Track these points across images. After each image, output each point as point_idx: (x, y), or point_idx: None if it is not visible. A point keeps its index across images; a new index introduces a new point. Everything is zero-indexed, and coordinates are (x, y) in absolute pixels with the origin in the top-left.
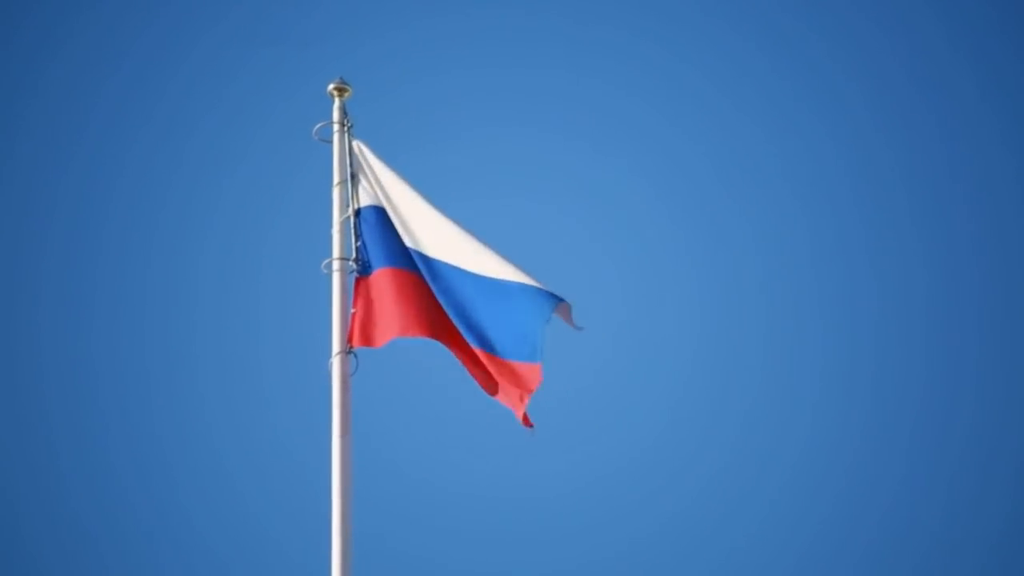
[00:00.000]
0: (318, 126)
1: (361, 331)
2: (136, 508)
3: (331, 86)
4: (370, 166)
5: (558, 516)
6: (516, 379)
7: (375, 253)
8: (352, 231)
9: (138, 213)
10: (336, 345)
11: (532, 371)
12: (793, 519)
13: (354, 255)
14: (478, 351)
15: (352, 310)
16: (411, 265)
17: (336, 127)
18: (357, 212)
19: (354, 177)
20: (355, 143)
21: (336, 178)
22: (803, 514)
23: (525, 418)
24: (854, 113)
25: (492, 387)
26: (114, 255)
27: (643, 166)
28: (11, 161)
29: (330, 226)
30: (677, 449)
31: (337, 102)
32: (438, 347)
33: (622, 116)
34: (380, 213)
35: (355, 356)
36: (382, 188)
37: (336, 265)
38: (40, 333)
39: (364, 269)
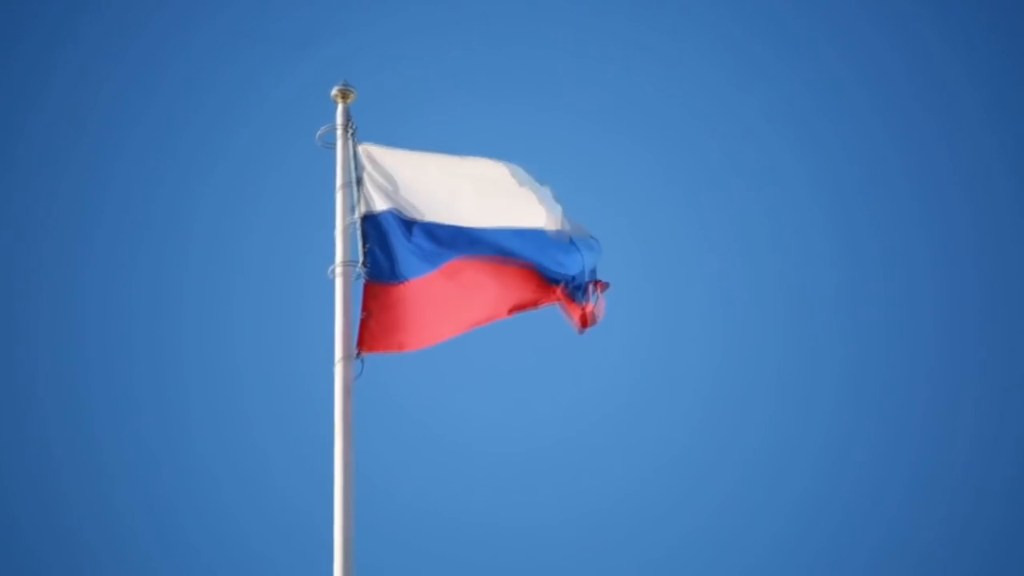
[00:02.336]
0: (321, 131)
1: (374, 336)
2: (134, 522)
3: (334, 90)
4: (379, 166)
5: (568, 538)
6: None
7: (401, 261)
8: (359, 235)
9: (131, 217)
10: (339, 351)
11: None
12: (807, 528)
13: (361, 259)
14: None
15: (362, 314)
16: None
17: (340, 131)
18: (364, 217)
19: (359, 181)
20: (360, 146)
21: (339, 182)
22: (816, 523)
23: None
24: (864, 117)
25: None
26: (109, 260)
27: (652, 157)
28: (4, 165)
29: (333, 230)
30: (689, 469)
31: (341, 106)
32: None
33: (635, 106)
34: (400, 220)
35: (361, 361)
36: (399, 185)
37: (340, 270)
38: (36, 337)
39: (376, 274)
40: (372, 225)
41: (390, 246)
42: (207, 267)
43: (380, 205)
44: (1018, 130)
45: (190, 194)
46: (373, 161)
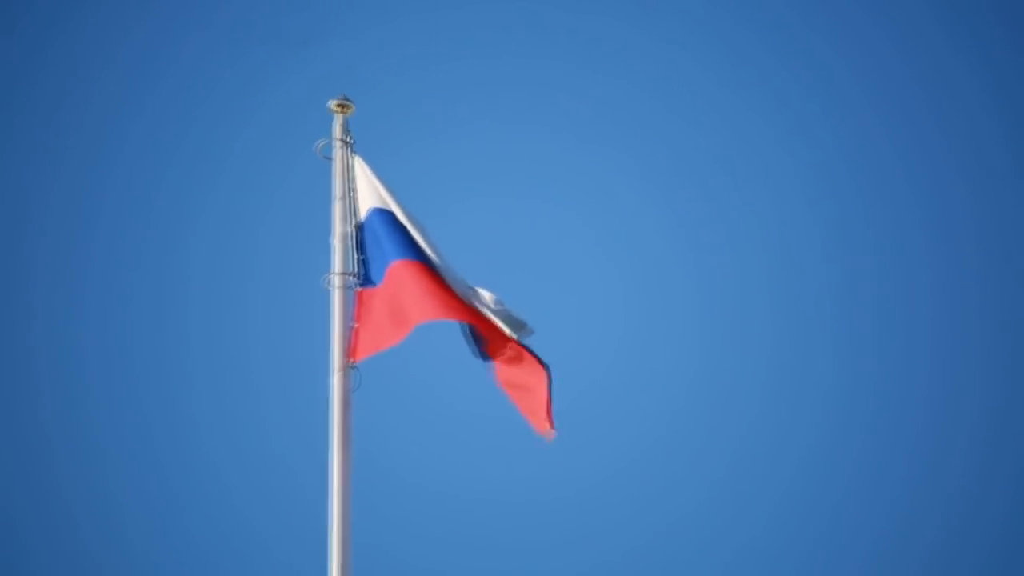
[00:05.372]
0: (320, 144)
1: (364, 343)
2: (137, 526)
3: (333, 103)
4: (369, 179)
5: (561, 520)
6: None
7: (386, 251)
8: (353, 245)
9: (129, 221)
10: (336, 361)
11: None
12: (798, 519)
13: (355, 269)
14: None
15: (354, 324)
16: (424, 258)
17: (338, 143)
18: (359, 226)
19: (354, 192)
20: (355, 158)
21: (337, 192)
22: (808, 515)
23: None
24: (859, 112)
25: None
26: (107, 265)
27: (646, 163)
28: (1, 164)
29: (330, 240)
30: (682, 451)
31: (339, 119)
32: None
33: (625, 112)
34: (386, 215)
35: (358, 371)
36: (382, 195)
37: (337, 280)
38: (37, 347)
39: (365, 281)
40: (363, 233)
41: (375, 249)
42: (205, 273)
43: (366, 209)
44: (1018, 126)
45: (186, 200)
46: (364, 172)
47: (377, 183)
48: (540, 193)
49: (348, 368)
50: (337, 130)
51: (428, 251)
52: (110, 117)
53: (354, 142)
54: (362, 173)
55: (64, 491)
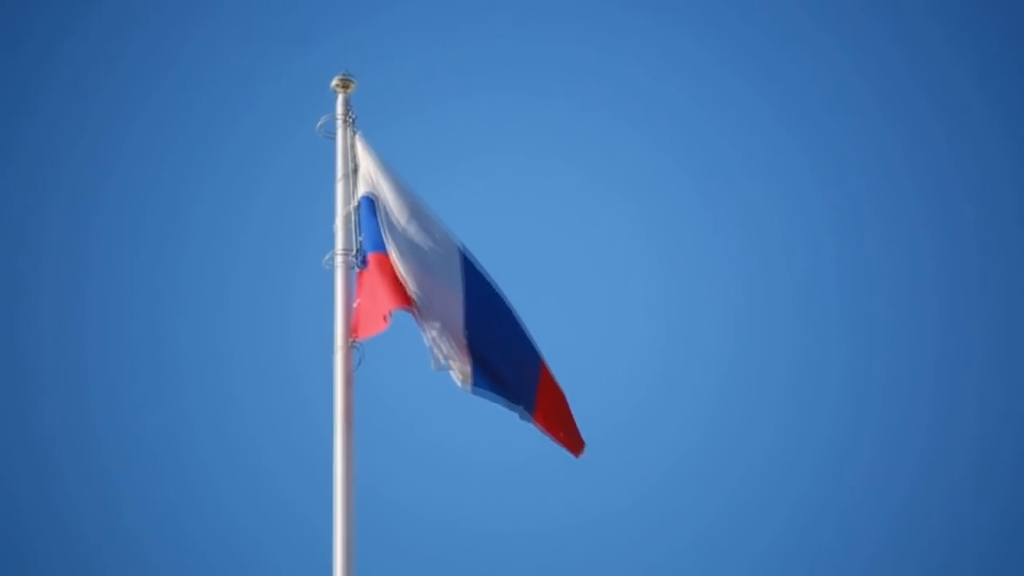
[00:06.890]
0: (322, 121)
1: (363, 322)
2: (133, 518)
3: (335, 81)
4: (367, 158)
5: (570, 542)
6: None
7: (368, 240)
8: (354, 225)
9: (130, 212)
10: (339, 339)
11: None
12: (809, 529)
13: (355, 248)
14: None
15: (355, 302)
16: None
17: (340, 121)
18: (357, 206)
19: (355, 171)
20: (356, 136)
21: (339, 172)
22: (818, 524)
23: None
24: (871, 117)
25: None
26: (109, 252)
27: (663, 157)
28: (4, 161)
29: (333, 221)
30: (691, 473)
31: (341, 96)
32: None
33: (646, 102)
34: (372, 201)
35: (359, 349)
36: (375, 179)
37: (339, 260)
38: (35, 330)
39: (364, 262)
40: (360, 213)
41: (368, 229)
42: (206, 259)
43: (363, 190)
44: (1020, 124)
45: (189, 188)
46: (364, 150)
47: (374, 162)
48: (549, 167)
49: (351, 346)
50: (339, 108)
51: (392, 241)
52: (114, 110)
53: (356, 119)
54: (363, 152)
55: (63, 484)
